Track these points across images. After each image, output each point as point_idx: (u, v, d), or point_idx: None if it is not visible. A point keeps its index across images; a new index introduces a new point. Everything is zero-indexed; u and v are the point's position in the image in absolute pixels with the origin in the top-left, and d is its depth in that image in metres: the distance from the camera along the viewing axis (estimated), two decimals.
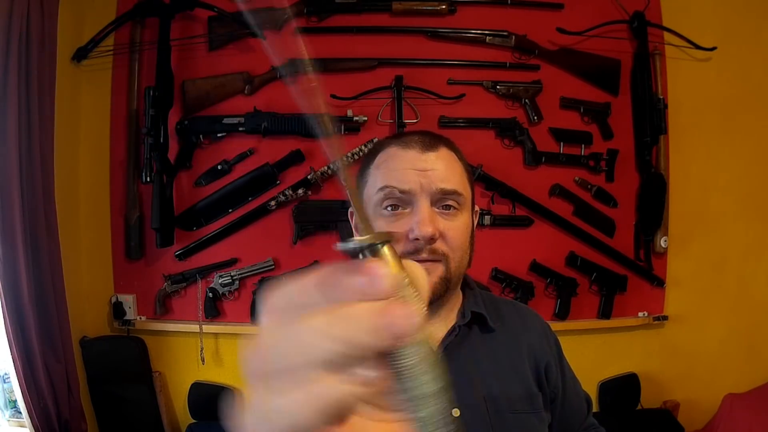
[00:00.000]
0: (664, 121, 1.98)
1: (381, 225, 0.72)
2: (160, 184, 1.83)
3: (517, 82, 1.95)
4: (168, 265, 1.97)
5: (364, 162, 0.79)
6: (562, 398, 0.83)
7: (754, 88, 2.05)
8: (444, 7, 1.91)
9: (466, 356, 0.76)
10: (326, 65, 1.92)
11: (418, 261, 0.68)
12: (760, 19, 2.03)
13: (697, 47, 1.97)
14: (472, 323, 0.79)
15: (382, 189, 0.72)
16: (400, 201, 0.71)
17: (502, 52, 1.97)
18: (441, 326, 0.77)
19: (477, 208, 0.83)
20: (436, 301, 0.73)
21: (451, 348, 0.76)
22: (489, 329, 0.79)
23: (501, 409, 0.73)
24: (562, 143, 1.98)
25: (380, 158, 0.75)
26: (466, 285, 0.85)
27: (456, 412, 0.71)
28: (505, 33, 1.94)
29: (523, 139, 1.96)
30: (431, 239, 0.69)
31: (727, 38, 1.99)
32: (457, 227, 0.72)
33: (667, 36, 2.00)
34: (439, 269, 0.71)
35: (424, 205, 0.70)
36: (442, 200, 0.71)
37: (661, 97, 1.98)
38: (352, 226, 0.80)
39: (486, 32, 1.94)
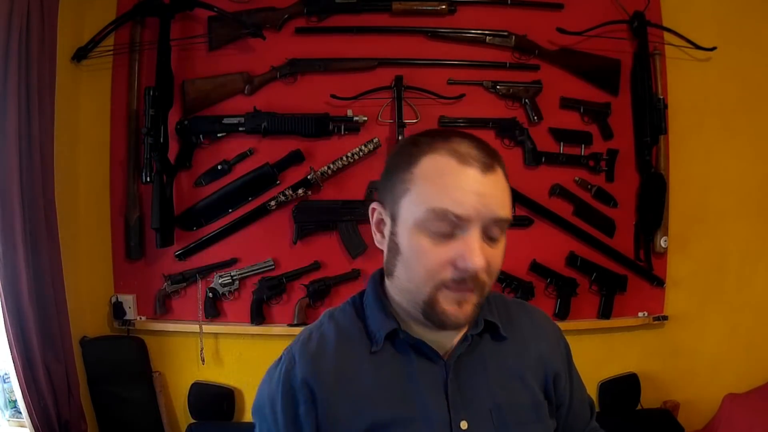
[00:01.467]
0: (664, 121, 1.98)
1: (426, 245, 0.65)
2: (160, 184, 1.83)
3: (517, 82, 1.95)
4: (168, 265, 1.97)
5: (402, 161, 0.68)
6: (568, 405, 0.82)
7: (754, 88, 2.05)
8: (444, 7, 1.91)
9: (476, 366, 0.74)
10: (326, 65, 1.92)
11: (460, 290, 0.65)
12: (760, 19, 2.03)
13: (697, 47, 1.97)
14: (483, 331, 0.76)
15: (434, 210, 0.63)
16: (452, 226, 0.64)
17: (502, 52, 1.97)
18: (454, 333, 0.74)
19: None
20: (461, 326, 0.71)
21: (462, 357, 0.73)
22: (500, 337, 0.77)
23: (507, 420, 0.72)
24: (562, 143, 1.98)
25: (429, 167, 0.65)
26: None
27: (464, 425, 0.70)
28: (505, 33, 1.94)
29: (523, 139, 1.96)
30: (480, 271, 0.64)
31: (727, 38, 1.99)
32: (499, 255, 0.68)
33: (667, 36, 2.00)
34: (474, 297, 0.67)
35: (476, 236, 0.64)
36: (492, 228, 0.65)
37: (661, 97, 1.98)
38: (372, 224, 0.74)
39: (486, 32, 1.94)
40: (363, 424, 0.70)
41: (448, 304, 0.66)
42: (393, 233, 0.69)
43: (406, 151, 0.69)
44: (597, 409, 2.02)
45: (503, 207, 0.65)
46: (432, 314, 0.67)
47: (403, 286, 0.70)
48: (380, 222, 0.73)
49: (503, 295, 0.87)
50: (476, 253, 0.63)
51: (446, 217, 0.63)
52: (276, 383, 0.73)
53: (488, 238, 0.66)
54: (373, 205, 0.74)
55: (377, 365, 0.73)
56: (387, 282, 0.75)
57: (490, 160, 0.66)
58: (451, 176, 0.64)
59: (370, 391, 0.71)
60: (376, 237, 0.74)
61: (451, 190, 0.63)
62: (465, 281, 0.65)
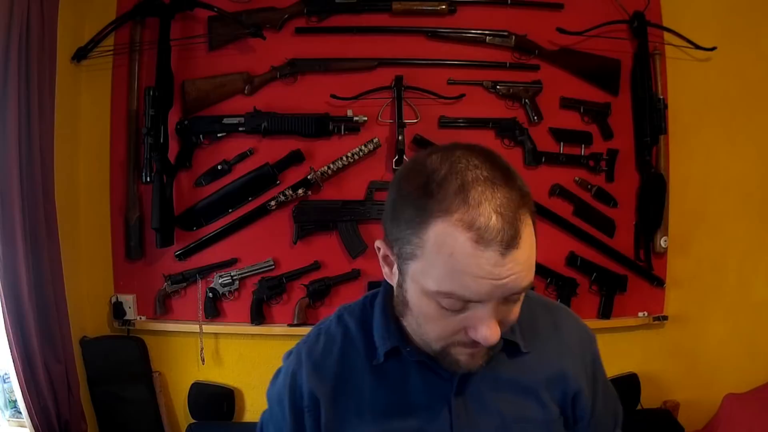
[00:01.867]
0: (664, 121, 1.98)
1: (432, 313, 0.59)
2: (160, 184, 1.83)
3: (517, 82, 1.95)
4: (168, 265, 1.97)
5: (408, 204, 0.57)
6: (588, 419, 0.76)
7: (754, 88, 2.05)
8: (444, 7, 1.91)
9: (486, 381, 0.69)
10: (326, 65, 1.92)
11: (473, 347, 0.60)
12: (760, 19, 2.03)
13: (697, 47, 1.97)
14: (504, 348, 0.70)
15: (439, 293, 0.56)
16: (462, 302, 0.57)
17: (502, 52, 1.97)
18: None
19: None
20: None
21: (475, 373, 0.67)
22: (519, 353, 0.71)
23: None
24: (562, 143, 1.98)
25: (440, 242, 0.54)
26: None
27: None
28: (505, 33, 1.94)
29: (523, 139, 1.96)
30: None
31: (727, 38, 1.99)
32: (515, 311, 0.61)
33: (667, 36, 2.00)
34: (487, 350, 0.62)
35: (490, 312, 0.57)
36: (510, 296, 0.58)
37: (661, 97, 1.98)
38: (380, 259, 0.66)
39: (486, 32, 1.94)
40: None
41: (460, 355, 0.62)
42: (401, 284, 0.62)
43: (416, 199, 0.56)
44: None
45: (526, 279, 0.56)
46: (443, 361, 0.64)
47: (414, 330, 0.65)
48: (387, 257, 0.65)
49: (535, 296, 0.79)
50: (490, 329, 0.57)
51: (455, 299, 0.56)
52: (282, 383, 0.73)
53: (507, 301, 0.59)
54: (378, 243, 0.66)
55: (379, 377, 0.70)
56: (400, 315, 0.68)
57: (514, 231, 0.53)
58: (465, 261, 0.54)
59: (371, 405, 0.69)
60: (384, 270, 0.67)
61: (463, 277, 0.54)
62: (478, 346, 0.60)
